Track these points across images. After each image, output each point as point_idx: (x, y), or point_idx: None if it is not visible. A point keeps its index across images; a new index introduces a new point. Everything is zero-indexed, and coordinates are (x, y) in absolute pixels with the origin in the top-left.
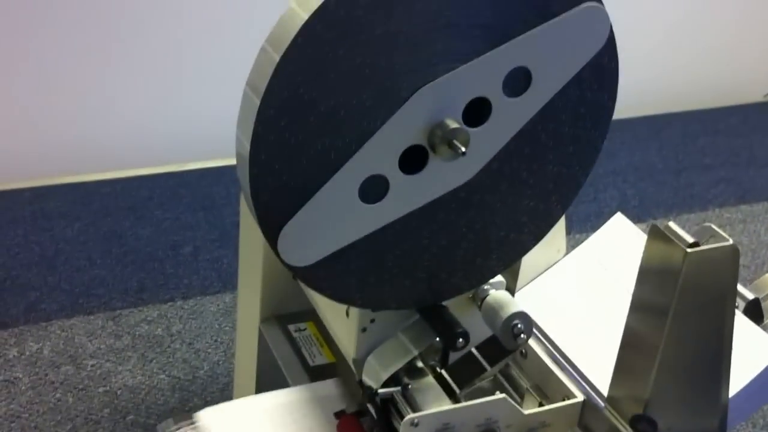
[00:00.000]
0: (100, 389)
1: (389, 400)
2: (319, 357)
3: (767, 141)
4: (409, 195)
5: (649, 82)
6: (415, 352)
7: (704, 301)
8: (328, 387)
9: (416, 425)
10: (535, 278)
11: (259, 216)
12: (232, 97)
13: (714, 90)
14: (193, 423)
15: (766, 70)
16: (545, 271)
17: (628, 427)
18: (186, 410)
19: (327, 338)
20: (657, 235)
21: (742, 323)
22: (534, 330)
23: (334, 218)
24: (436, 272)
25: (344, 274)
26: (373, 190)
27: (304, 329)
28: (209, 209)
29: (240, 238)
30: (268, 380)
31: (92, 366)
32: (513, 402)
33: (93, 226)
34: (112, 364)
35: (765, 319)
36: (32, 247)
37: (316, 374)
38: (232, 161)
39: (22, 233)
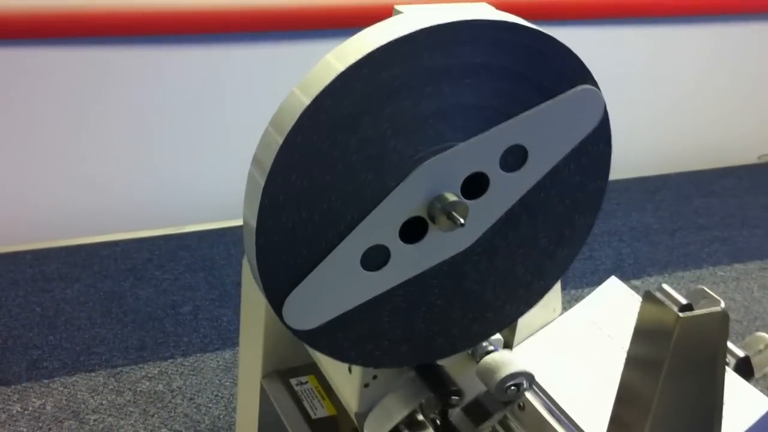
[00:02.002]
0: None
1: None
2: (321, 410)
3: (760, 202)
4: (409, 263)
5: (645, 145)
6: (415, 404)
7: (696, 361)
8: None
9: None
10: (531, 335)
11: (265, 285)
12: (228, 161)
13: (708, 152)
14: None
15: (759, 133)
16: (541, 329)
17: None
18: None
19: (328, 391)
20: (651, 299)
21: (732, 380)
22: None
23: (337, 285)
24: (434, 333)
25: (346, 336)
26: (375, 258)
27: (306, 383)
28: (209, 270)
29: (242, 295)
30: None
31: (95, 421)
32: None
33: (93, 287)
34: (114, 418)
35: (755, 374)
36: (33, 307)
37: (317, 427)
38: (232, 223)
39: (23, 294)
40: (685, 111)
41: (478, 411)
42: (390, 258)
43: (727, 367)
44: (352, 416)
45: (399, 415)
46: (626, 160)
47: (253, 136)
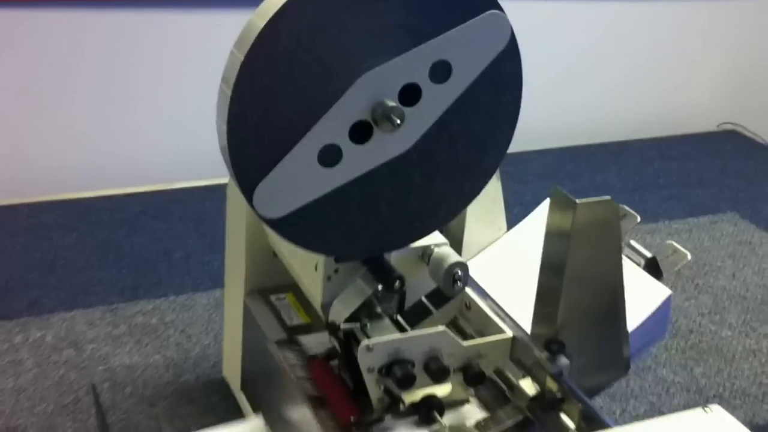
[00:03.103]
0: (100, 367)
1: (350, 333)
2: (296, 319)
3: (716, 165)
4: (359, 161)
5: (612, 112)
6: (369, 291)
7: (595, 245)
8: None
9: (371, 350)
10: (479, 252)
11: (238, 178)
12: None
13: (671, 120)
14: None
15: (719, 102)
16: (488, 246)
17: (544, 351)
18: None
19: (304, 305)
20: (557, 196)
21: (639, 275)
22: (477, 290)
23: (299, 179)
24: (386, 225)
25: (309, 225)
26: (330, 156)
27: (284, 298)
28: (199, 222)
29: (227, 222)
30: (252, 343)
31: (92, 349)
32: (452, 334)
33: (89, 236)
34: (111, 347)
35: (664, 275)
36: (32, 253)
37: (292, 332)
38: (222, 180)
39: (22, 241)
40: (651, 81)
41: (428, 305)
42: (342, 156)
43: (635, 265)
44: (318, 309)
45: (358, 300)
46: (593, 127)
47: None
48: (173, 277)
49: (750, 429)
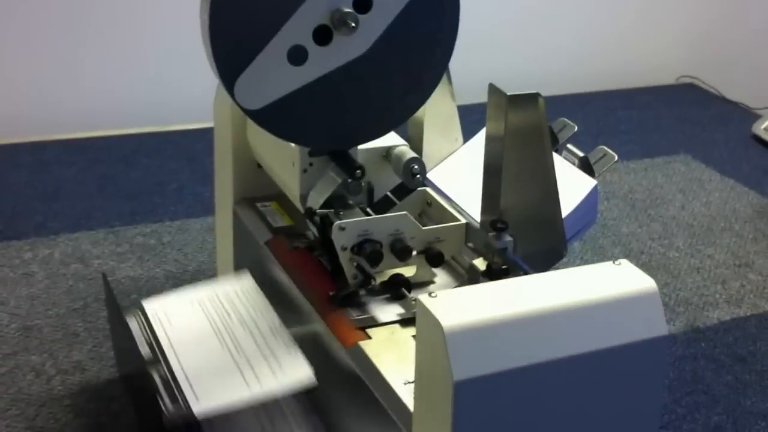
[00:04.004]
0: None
1: (325, 217)
2: (280, 222)
3: (673, 113)
4: (323, 61)
5: (578, 65)
6: (339, 180)
7: (526, 134)
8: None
9: (343, 229)
10: (440, 161)
11: (221, 74)
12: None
13: (635, 73)
14: None
15: (678, 57)
16: (448, 156)
17: (491, 231)
18: None
19: (287, 210)
20: (492, 89)
21: (572, 170)
22: (437, 191)
23: (271, 75)
24: (353, 120)
25: (284, 117)
26: (298, 56)
27: (269, 205)
28: (191, 159)
29: (215, 139)
30: (242, 244)
31: (98, 264)
32: (412, 218)
33: (88, 170)
34: (115, 262)
35: (596, 174)
36: (36, 184)
37: (277, 231)
38: (212, 123)
39: (26, 174)
40: (617, 36)
41: (392, 198)
42: (308, 56)
43: (570, 163)
44: (297, 202)
45: (330, 189)
46: (564, 78)
47: None
48: (168, 206)
49: (691, 331)
